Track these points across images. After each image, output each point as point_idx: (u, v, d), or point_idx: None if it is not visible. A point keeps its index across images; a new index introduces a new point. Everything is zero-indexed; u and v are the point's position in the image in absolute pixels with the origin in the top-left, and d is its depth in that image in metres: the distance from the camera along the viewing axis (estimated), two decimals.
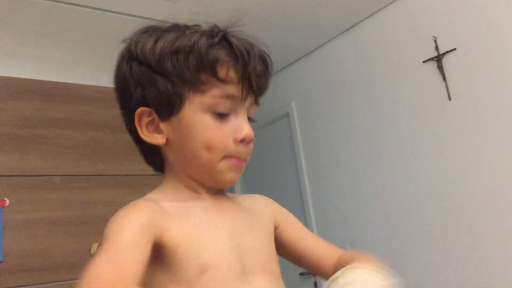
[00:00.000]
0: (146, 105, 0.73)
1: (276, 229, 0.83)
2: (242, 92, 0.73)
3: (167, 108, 0.72)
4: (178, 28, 0.76)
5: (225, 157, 0.73)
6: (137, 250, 0.60)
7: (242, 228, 0.75)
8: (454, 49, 2.43)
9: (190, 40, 0.71)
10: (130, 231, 0.63)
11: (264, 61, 0.77)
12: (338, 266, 0.75)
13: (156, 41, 0.73)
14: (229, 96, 0.72)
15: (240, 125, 0.74)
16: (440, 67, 2.48)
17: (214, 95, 0.72)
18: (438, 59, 2.49)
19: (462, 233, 2.37)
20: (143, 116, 0.74)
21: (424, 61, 2.55)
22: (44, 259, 1.93)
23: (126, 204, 0.70)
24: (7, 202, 1.90)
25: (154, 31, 0.76)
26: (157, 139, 0.74)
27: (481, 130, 2.32)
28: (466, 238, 2.35)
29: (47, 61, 2.22)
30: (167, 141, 0.74)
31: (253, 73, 0.73)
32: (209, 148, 0.72)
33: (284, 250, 0.85)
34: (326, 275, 0.78)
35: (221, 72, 0.71)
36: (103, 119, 2.24)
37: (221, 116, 0.72)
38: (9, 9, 2.19)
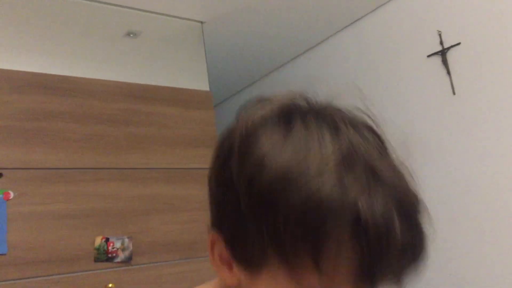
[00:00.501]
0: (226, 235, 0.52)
1: None
2: None
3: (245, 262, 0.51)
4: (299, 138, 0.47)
5: None
6: None
7: None
8: (459, 43, 2.42)
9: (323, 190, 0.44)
10: None
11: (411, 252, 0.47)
12: None
13: (268, 158, 0.46)
14: None
15: None
16: (445, 62, 2.47)
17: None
18: (443, 53, 2.48)
19: (466, 229, 2.37)
20: (217, 242, 0.54)
21: (429, 56, 2.55)
22: (48, 251, 1.94)
23: None
24: (12, 195, 1.91)
25: (275, 124, 0.49)
26: (224, 275, 0.53)
27: (485, 125, 2.31)
28: (470, 233, 2.35)
29: (51, 55, 2.23)
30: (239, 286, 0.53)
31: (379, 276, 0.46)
32: None
33: None
34: None
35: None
36: (107, 113, 2.25)
37: None
38: (12, 1, 2.19)
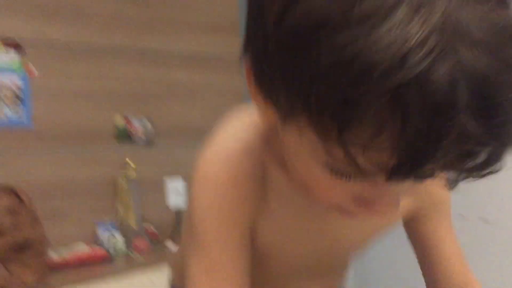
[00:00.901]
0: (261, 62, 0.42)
1: None
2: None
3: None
4: None
5: None
6: (237, 261, 0.52)
7: None
8: None
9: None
10: (223, 235, 0.52)
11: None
12: None
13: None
14: None
15: None
16: None
17: None
18: None
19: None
20: (251, 73, 0.45)
21: None
22: (70, 127, 1.99)
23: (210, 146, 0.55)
24: (36, 72, 1.93)
25: None
26: (260, 109, 0.47)
27: None
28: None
29: None
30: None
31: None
32: None
33: None
34: None
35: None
36: None
37: None
38: None
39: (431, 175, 0.37)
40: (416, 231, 0.68)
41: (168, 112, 2.25)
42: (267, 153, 0.53)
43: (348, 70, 0.33)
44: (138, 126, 2.15)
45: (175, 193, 2.21)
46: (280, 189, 0.54)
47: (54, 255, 1.76)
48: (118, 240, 1.96)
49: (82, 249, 1.87)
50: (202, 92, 2.36)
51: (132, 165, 2.07)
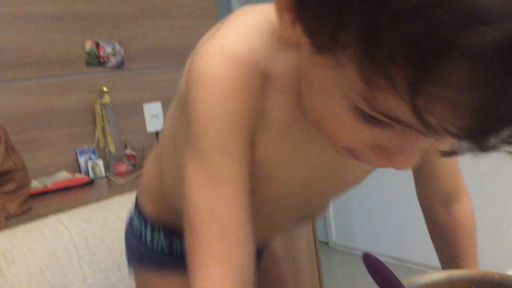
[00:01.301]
0: None
1: None
2: None
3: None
4: None
5: None
6: (238, 169, 0.49)
7: None
8: None
9: None
10: (227, 141, 0.48)
11: None
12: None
13: None
14: None
15: None
16: None
17: None
18: None
19: None
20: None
21: None
22: (39, 54, 1.93)
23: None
24: None
25: None
26: (284, 24, 0.43)
27: None
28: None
29: None
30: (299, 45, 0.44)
31: None
32: None
33: None
34: None
35: None
36: None
37: None
38: None
39: (496, 146, 0.34)
40: None
41: (140, 34, 2.19)
42: (276, 69, 0.49)
43: (452, 7, 0.28)
44: (110, 51, 2.10)
45: (153, 117, 2.21)
46: (280, 113, 0.51)
47: (37, 185, 1.77)
48: (98, 166, 1.98)
49: (63, 177, 1.88)
50: (174, 12, 2.29)
51: (105, 89, 2.04)
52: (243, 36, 0.48)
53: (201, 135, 0.48)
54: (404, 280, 0.60)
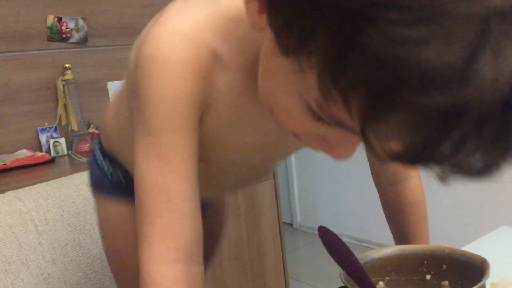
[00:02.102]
0: None
1: None
2: None
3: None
4: None
5: None
6: (188, 149, 0.52)
7: None
8: None
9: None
10: (175, 120, 0.50)
11: None
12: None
13: None
14: None
15: None
16: None
17: None
18: None
19: None
20: None
21: None
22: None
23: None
24: None
25: None
26: (250, 9, 0.43)
27: None
28: None
29: None
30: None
31: None
32: None
33: None
34: None
35: None
36: None
37: None
38: None
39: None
40: None
41: (104, 9, 2.14)
42: (224, 48, 0.51)
43: (414, 68, 0.31)
44: (72, 26, 2.04)
45: None
46: (229, 88, 0.53)
47: None
48: (60, 144, 1.94)
49: (24, 155, 1.84)
50: None
51: (68, 65, 1.99)
52: (188, 18, 0.51)
53: (151, 114, 0.50)
54: (358, 254, 0.61)
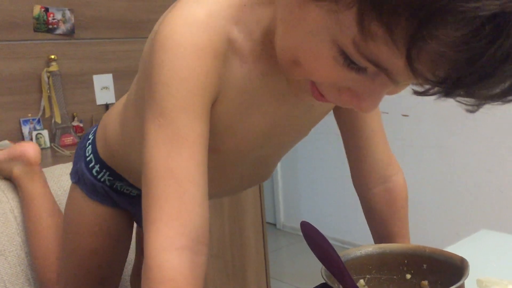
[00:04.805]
0: None
1: None
2: None
3: None
4: None
5: None
6: (200, 135, 0.51)
7: None
8: None
9: None
10: (188, 103, 0.50)
11: None
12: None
13: None
14: None
15: None
16: None
17: None
18: None
19: None
20: None
21: None
22: None
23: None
24: None
25: None
26: None
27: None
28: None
29: None
30: None
31: None
32: None
33: None
34: None
35: None
36: None
37: None
38: None
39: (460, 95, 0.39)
40: (349, 121, 0.74)
41: (92, 1, 2.12)
42: (236, 33, 0.52)
43: None
44: (59, 17, 2.02)
45: (104, 89, 2.15)
46: (240, 74, 0.54)
47: None
48: (43, 136, 1.92)
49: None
50: None
51: (53, 57, 1.96)
52: (203, 5, 0.51)
53: (164, 95, 0.50)
54: (340, 252, 0.61)
